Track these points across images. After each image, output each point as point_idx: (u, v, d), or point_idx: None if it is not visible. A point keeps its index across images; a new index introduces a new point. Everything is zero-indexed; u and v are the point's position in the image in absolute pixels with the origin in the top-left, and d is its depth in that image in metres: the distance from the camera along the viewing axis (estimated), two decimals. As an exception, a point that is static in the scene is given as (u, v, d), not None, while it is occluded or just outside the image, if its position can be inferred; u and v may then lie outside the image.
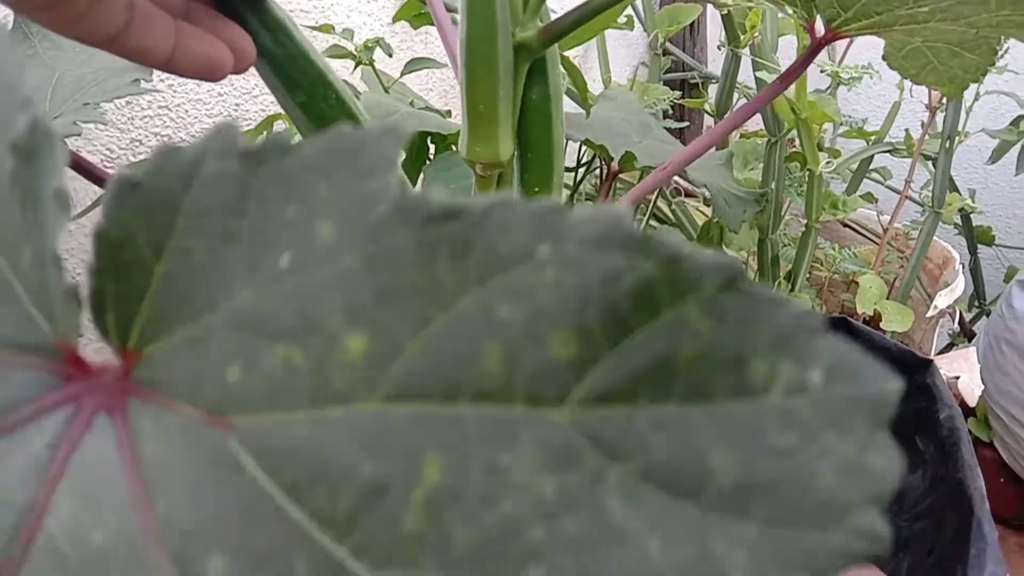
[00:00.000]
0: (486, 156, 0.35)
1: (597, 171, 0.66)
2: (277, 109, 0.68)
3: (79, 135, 0.40)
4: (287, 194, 0.15)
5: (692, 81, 1.23)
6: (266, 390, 0.15)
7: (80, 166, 0.45)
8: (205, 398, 0.15)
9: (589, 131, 0.49)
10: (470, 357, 0.14)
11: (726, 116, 0.43)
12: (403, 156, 0.15)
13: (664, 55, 1.12)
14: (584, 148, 0.64)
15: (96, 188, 0.64)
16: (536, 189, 0.40)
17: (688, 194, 1.11)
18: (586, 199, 0.70)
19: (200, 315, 0.16)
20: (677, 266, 0.13)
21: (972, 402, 0.85)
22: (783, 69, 0.79)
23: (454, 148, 0.57)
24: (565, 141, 0.42)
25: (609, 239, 0.14)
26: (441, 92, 0.92)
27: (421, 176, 0.59)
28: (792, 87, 0.74)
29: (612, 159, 0.50)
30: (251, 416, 0.15)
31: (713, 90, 1.12)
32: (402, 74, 0.64)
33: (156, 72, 0.62)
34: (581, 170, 0.66)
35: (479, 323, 0.14)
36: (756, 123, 1.22)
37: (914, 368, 0.57)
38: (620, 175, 0.53)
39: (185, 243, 0.16)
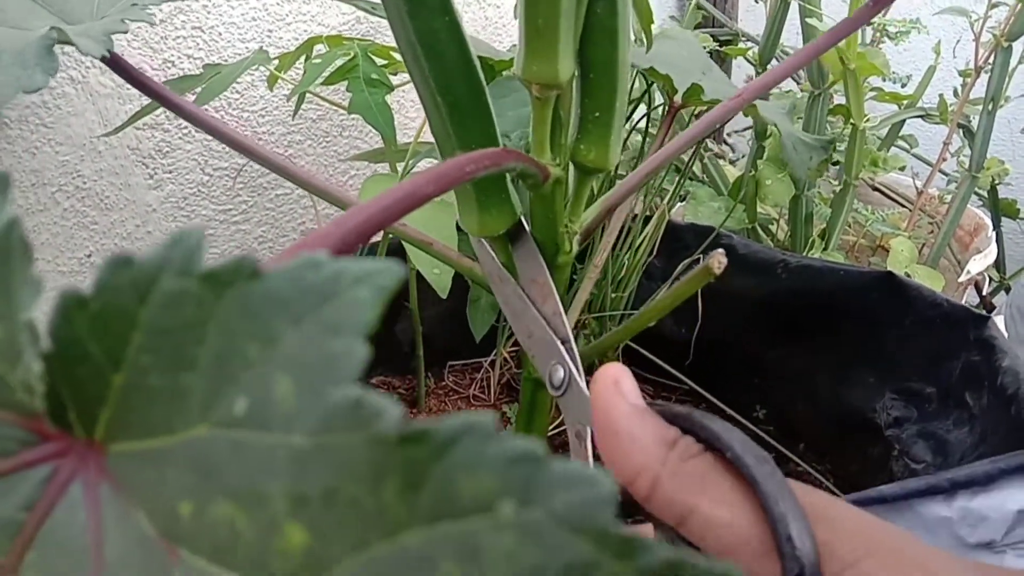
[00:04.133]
0: (544, 76, 0.33)
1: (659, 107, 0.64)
2: (312, 34, 0.66)
3: (125, 32, 0.38)
4: (250, 330, 0.14)
5: (722, 38, 1.20)
6: (211, 541, 0.14)
7: (126, 71, 0.44)
8: (160, 520, 0.15)
9: (653, 61, 0.48)
10: None
11: (793, 54, 0.42)
12: (378, 311, 0.13)
13: (697, 9, 1.09)
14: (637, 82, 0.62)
15: (128, 108, 0.62)
16: (596, 114, 0.38)
17: (717, 155, 1.10)
18: (644, 136, 0.68)
19: (159, 434, 0.15)
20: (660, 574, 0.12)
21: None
22: (828, 18, 0.77)
23: (504, 75, 0.55)
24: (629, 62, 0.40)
25: (586, 521, 0.12)
26: (473, 31, 0.90)
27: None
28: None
29: (676, 91, 0.49)
30: (195, 558, 0.14)
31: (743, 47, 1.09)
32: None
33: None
34: (642, 107, 0.64)
35: (419, 569, 0.12)
36: (788, 83, 1.20)
37: (967, 323, 0.56)
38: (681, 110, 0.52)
39: (143, 360, 0.15)
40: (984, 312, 1.24)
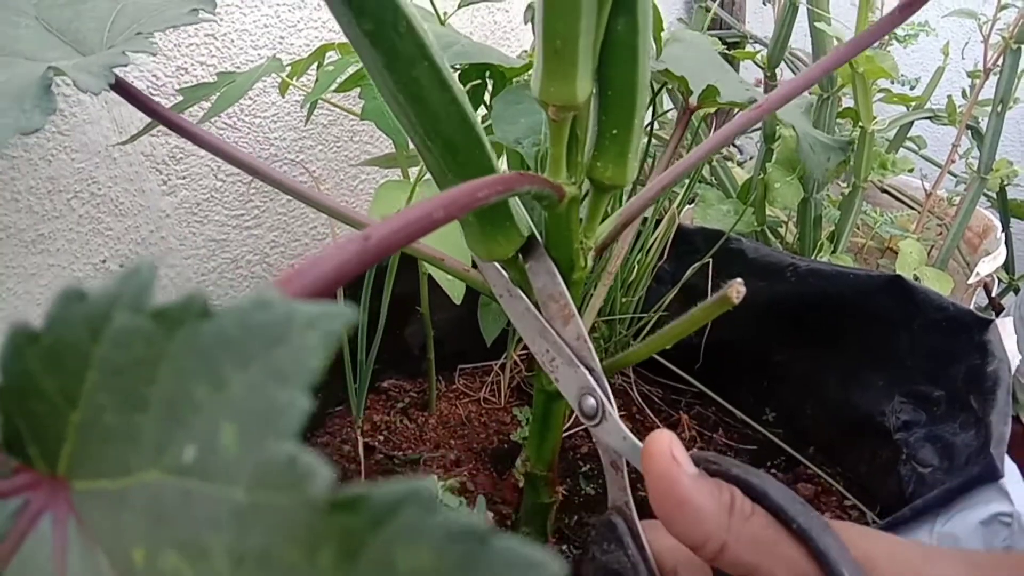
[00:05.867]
0: (562, 97, 0.32)
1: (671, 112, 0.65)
2: (323, 41, 0.66)
3: (126, 65, 0.38)
4: (200, 371, 0.14)
5: (729, 40, 1.21)
6: None
7: (126, 91, 0.44)
8: (118, 564, 0.14)
9: (666, 63, 0.48)
10: None
11: (815, 63, 0.42)
12: (325, 357, 0.13)
13: (706, 12, 1.09)
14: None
15: (143, 116, 0.63)
16: (614, 132, 0.37)
17: (726, 157, 1.10)
18: (648, 138, 0.68)
19: (116, 475, 0.15)
20: None
21: (1012, 369, 0.84)
22: (836, 21, 0.77)
23: (513, 83, 0.55)
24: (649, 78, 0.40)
25: None
26: (482, 36, 0.90)
27: (481, 109, 0.57)
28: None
29: (691, 93, 0.49)
30: None
31: (750, 50, 1.09)
32: (459, 6, 0.62)
33: None
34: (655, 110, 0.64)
35: None
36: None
37: (971, 327, 0.56)
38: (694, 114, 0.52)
39: (98, 399, 0.15)
40: (990, 315, 1.24)
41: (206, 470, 0.13)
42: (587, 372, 0.36)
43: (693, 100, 0.51)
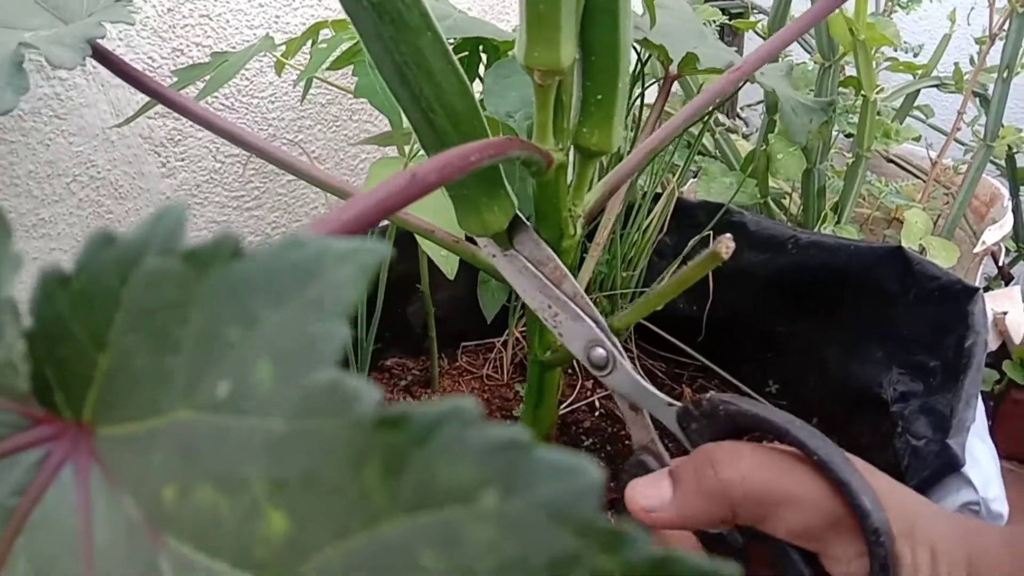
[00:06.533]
0: (546, 62, 0.32)
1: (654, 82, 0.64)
2: (318, 19, 0.66)
3: (103, 36, 0.37)
4: (232, 311, 0.14)
5: (734, 10, 1.19)
6: (195, 525, 0.14)
7: (120, 69, 0.43)
8: (146, 504, 0.15)
9: (646, 32, 0.47)
10: None
11: (790, 22, 0.41)
12: (362, 290, 0.13)
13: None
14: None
15: (140, 97, 0.63)
16: (599, 97, 0.37)
17: (729, 130, 1.09)
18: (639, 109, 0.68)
19: (144, 417, 0.15)
20: (652, 571, 0.11)
21: (1018, 338, 0.84)
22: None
23: (509, 55, 0.55)
24: (631, 43, 0.40)
25: (570, 512, 0.12)
26: (480, 11, 0.90)
27: (476, 84, 0.57)
28: (851, 7, 0.71)
29: (671, 61, 0.48)
30: (181, 544, 0.14)
31: (750, 21, 1.08)
32: (452, -18, 0.62)
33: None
34: (639, 81, 0.63)
35: (399, 560, 0.12)
36: (800, 55, 1.19)
37: (960, 297, 0.56)
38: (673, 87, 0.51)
39: (126, 341, 0.15)
40: (999, 285, 1.23)
41: (241, 404, 0.13)
42: (592, 323, 0.37)
43: (673, 68, 0.50)
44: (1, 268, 0.16)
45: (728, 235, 0.32)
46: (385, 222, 0.65)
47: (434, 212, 0.45)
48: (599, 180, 0.42)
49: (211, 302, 0.14)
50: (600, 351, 0.37)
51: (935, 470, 0.45)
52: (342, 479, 0.13)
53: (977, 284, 0.92)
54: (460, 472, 0.12)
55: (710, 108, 0.64)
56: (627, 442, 0.68)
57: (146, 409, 0.15)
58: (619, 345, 0.37)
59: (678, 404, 0.34)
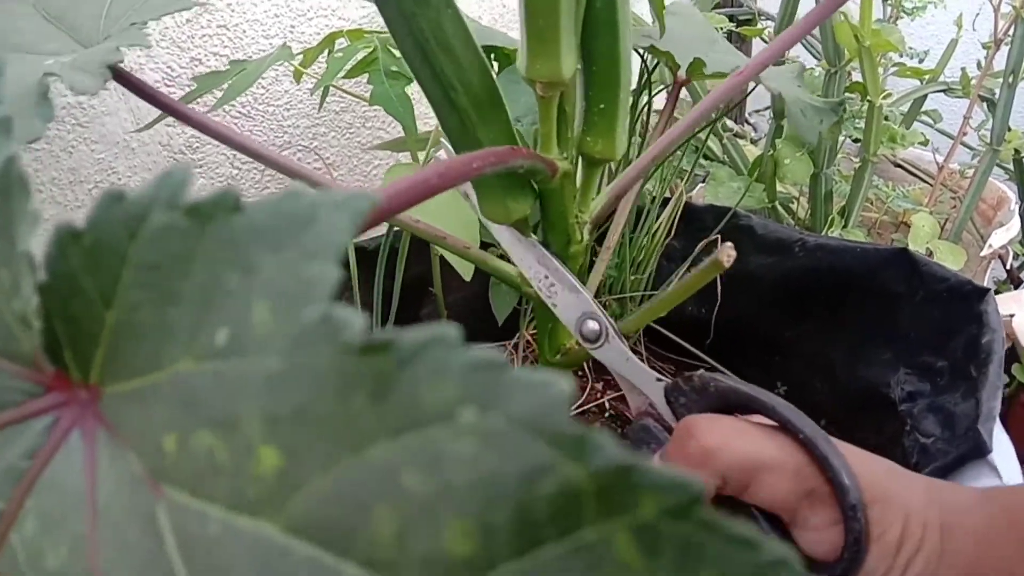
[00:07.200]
0: (547, 74, 0.33)
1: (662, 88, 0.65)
2: (333, 28, 0.67)
3: (120, 61, 0.37)
4: (232, 260, 0.14)
5: (742, 17, 1.20)
6: (192, 473, 0.14)
7: (134, 86, 0.44)
8: (148, 457, 0.15)
9: (654, 39, 0.48)
10: (366, 518, 0.13)
11: (795, 23, 0.42)
12: (354, 236, 0.14)
13: (715, -12, 1.09)
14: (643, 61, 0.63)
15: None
16: (601, 106, 0.38)
17: (737, 135, 1.10)
18: (648, 112, 0.69)
19: (148, 371, 0.15)
20: (615, 478, 0.12)
21: (1024, 340, 0.84)
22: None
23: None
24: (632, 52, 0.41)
25: (542, 425, 0.12)
26: (491, 20, 0.91)
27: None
28: (856, 14, 0.72)
29: (679, 67, 0.49)
30: (178, 493, 0.14)
31: (756, 28, 1.09)
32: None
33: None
34: (645, 85, 0.64)
35: (382, 483, 0.12)
36: (807, 61, 1.20)
37: (970, 298, 0.57)
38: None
39: (133, 296, 0.15)
40: (1009, 288, 1.23)
41: (239, 348, 0.14)
42: (588, 296, 0.37)
43: (681, 74, 0.51)
44: (20, 225, 0.16)
45: (729, 243, 0.33)
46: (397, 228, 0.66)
47: (442, 217, 0.46)
48: (608, 185, 0.43)
49: (212, 253, 0.14)
50: (593, 324, 0.37)
51: (962, 454, 0.45)
52: (331, 408, 0.13)
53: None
54: (442, 391, 0.12)
55: (717, 113, 0.65)
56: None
57: (150, 363, 0.15)
58: (610, 319, 0.38)
59: (667, 379, 0.36)
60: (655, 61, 0.62)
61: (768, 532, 0.32)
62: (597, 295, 0.57)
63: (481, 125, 0.34)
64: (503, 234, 0.40)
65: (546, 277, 0.38)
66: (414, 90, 0.69)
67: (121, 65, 0.40)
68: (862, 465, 0.30)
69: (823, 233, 0.85)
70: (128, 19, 0.44)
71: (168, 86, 0.65)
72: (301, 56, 0.63)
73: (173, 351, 0.15)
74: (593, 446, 0.12)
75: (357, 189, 0.13)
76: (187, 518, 0.14)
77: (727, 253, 0.32)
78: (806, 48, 1.05)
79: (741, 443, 0.31)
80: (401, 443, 0.12)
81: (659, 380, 0.36)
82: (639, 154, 0.66)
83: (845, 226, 0.84)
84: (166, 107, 0.44)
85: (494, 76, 0.34)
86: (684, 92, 0.59)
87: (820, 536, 0.30)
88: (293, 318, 0.13)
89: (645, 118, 0.67)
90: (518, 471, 0.12)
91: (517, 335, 0.78)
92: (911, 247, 0.87)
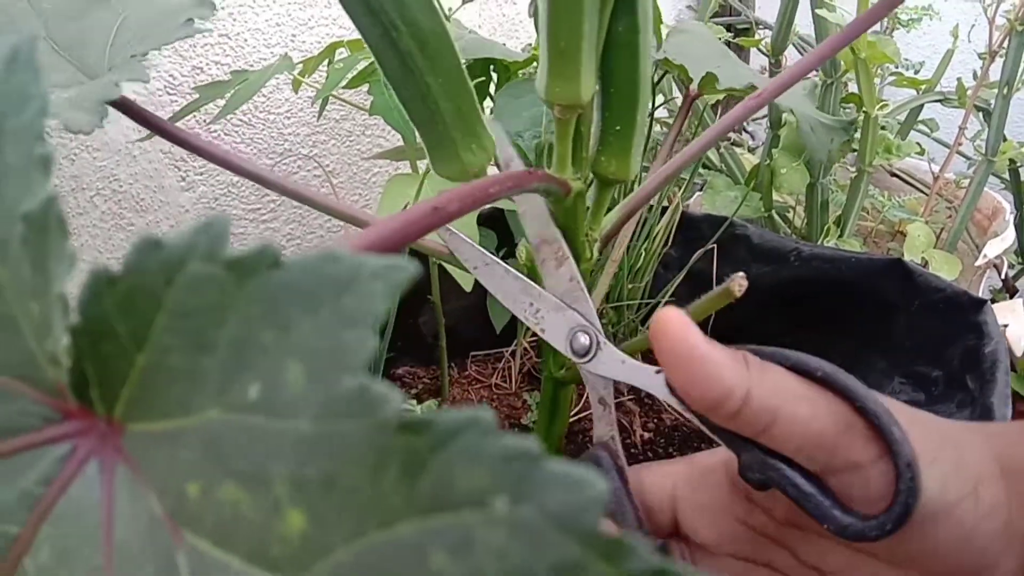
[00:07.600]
0: (566, 97, 0.32)
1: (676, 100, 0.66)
2: (334, 37, 0.68)
3: (117, 97, 0.36)
4: (268, 316, 0.14)
5: (740, 26, 1.21)
6: (215, 522, 0.14)
7: (128, 108, 0.44)
8: (169, 500, 0.15)
9: (667, 52, 0.49)
10: None
11: (812, 50, 0.42)
12: (390, 305, 0.14)
13: (713, -2, 1.10)
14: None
15: (161, 114, 0.65)
16: (618, 128, 0.38)
17: (734, 143, 1.11)
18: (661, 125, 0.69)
19: (175, 415, 0.15)
20: None
21: (1019, 352, 0.85)
22: (839, 7, 0.78)
23: (519, 75, 0.57)
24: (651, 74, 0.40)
25: (575, 522, 0.12)
26: (490, 29, 0.92)
27: (487, 102, 0.59)
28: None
29: (691, 80, 0.50)
30: (199, 540, 0.15)
31: (760, 36, 1.10)
32: (463, 3, 0.64)
33: (216, 1, 0.62)
34: (658, 97, 0.65)
35: (409, 560, 0.13)
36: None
37: (967, 308, 0.57)
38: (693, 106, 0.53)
39: (166, 340, 0.16)
40: (1004, 297, 1.23)
41: (270, 406, 0.14)
42: (575, 313, 0.36)
43: (694, 88, 0.52)
44: (56, 265, 0.16)
45: (741, 274, 0.33)
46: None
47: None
48: (619, 200, 0.43)
49: (249, 307, 0.15)
50: (583, 338, 0.36)
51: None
52: (361, 480, 0.13)
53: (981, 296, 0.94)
54: (475, 478, 0.12)
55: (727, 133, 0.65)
56: (633, 451, 0.69)
57: (178, 408, 0.15)
58: (600, 327, 0.37)
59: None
60: (661, 73, 0.62)
61: (808, 492, 0.29)
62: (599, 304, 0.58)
63: (429, 71, 0.33)
64: (481, 273, 0.39)
65: (531, 304, 0.37)
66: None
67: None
68: (915, 421, 0.28)
69: (819, 242, 0.86)
70: (130, 51, 0.44)
71: (170, 94, 0.66)
72: (301, 66, 0.64)
73: (203, 399, 0.15)
74: (628, 549, 0.12)
75: (394, 259, 0.13)
76: (208, 567, 0.14)
77: (739, 283, 0.32)
78: (802, 56, 1.06)
79: (767, 376, 0.29)
80: (431, 523, 0.13)
81: (658, 372, 0.35)
82: (649, 166, 0.67)
83: (841, 235, 0.84)
84: (159, 129, 0.44)
85: (440, 13, 0.32)
86: (678, 104, 0.59)
87: (863, 476, 0.28)
88: (327, 383, 0.14)
89: (647, 129, 0.68)
90: (548, 566, 0.12)
91: (515, 343, 0.78)
92: (907, 257, 0.87)
